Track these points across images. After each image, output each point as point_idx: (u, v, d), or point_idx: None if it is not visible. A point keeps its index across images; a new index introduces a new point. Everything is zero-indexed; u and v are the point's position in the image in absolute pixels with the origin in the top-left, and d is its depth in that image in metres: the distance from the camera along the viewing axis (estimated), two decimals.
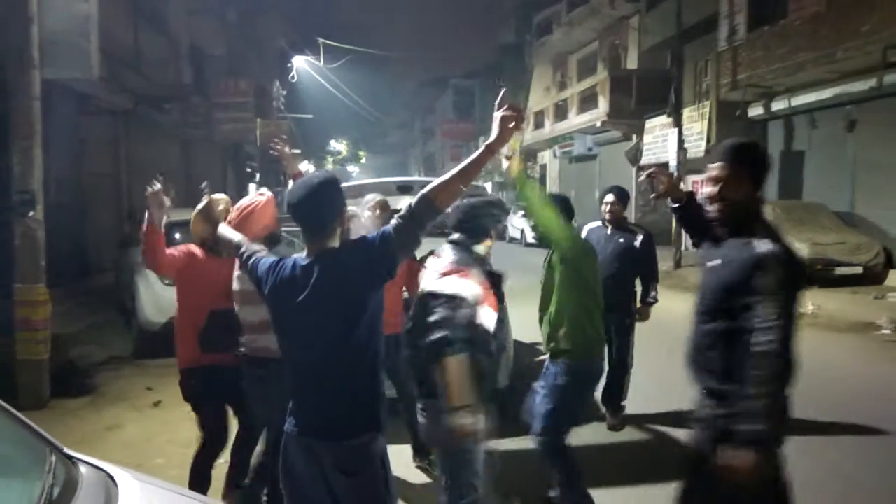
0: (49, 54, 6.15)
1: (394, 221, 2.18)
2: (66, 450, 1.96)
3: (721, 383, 2.28)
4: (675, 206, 2.89)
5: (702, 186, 2.49)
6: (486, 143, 2.19)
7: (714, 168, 2.43)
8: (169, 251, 3.52)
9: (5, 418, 1.95)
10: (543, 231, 3.41)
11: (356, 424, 2.23)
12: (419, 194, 2.17)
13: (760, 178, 2.41)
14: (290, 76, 25.09)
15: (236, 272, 3.38)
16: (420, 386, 2.81)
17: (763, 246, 2.21)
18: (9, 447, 1.93)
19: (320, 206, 2.24)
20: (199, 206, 3.69)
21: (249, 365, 3.38)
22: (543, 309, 3.69)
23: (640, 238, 5.08)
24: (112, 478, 1.88)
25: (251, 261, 2.47)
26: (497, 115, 2.18)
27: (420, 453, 4.32)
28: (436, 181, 2.21)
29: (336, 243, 2.27)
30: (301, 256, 2.32)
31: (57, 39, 6.62)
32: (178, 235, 6.32)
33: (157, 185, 3.40)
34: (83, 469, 1.89)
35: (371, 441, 2.24)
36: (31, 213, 5.81)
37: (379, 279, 2.23)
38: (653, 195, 3.13)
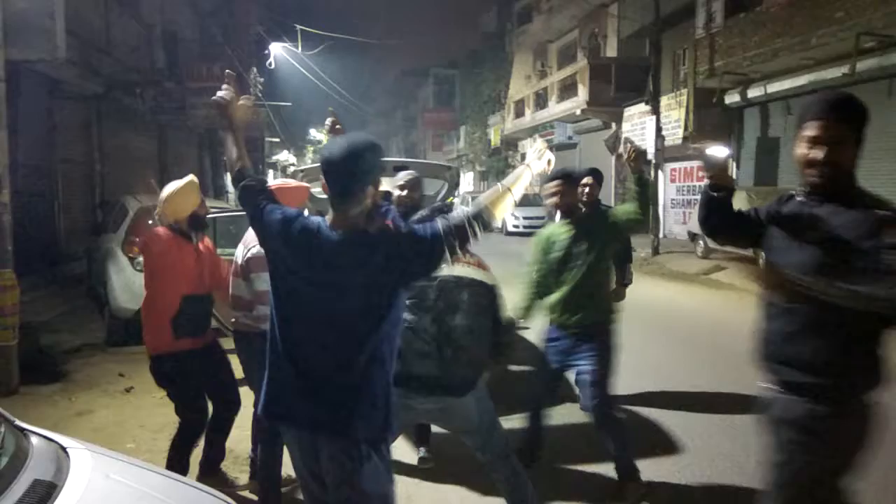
0: (13, 34, 6.01)
1: (444, 222, 2.03)
2: (17, 422, 1.92)
3: (807, 375, 2.08)
4: (718, 193, 2.44)
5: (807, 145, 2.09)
6: (526, 163, 2.32)
7: (814, 127, 2.07)
8: (152, 231, 3.56)
9: None
10: (639, 219, 3.67)
11: (354, 423, 2.02)
12: (478, 205, 2.08)
13: (862, 138, 2.10)
14: (268, 63, 24.83)
15: (243, 249, 3.46)
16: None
17: (883, 210, 1.99)
18: None
19: (354, 168, 2.03)
20: (177, 186, 3.64)
21: (245, 338, 3.50)
22: (554, 288, 3.82)
23: None
24: (64, 449, 1.84)
25: (260, 198, 2.21)
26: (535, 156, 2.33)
27: (423, 441, 4.22)
28: (489, 195, 2.14)
29: (359, 213, 2.06)
30: (325, 220, 2.11)
31: (22, 19, 6.48)
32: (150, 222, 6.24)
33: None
34: (34, 440, 1.86)
35: (375, 440, 2.07)
36: None
37: (417, 276, 2.11)
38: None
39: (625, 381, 5.63)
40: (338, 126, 3.35)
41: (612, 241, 3.83)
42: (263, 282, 3.16)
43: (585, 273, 3.69)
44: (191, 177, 3.75)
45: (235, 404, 3.82)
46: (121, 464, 1.87)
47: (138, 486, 1.73)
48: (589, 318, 3.73)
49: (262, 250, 2.26)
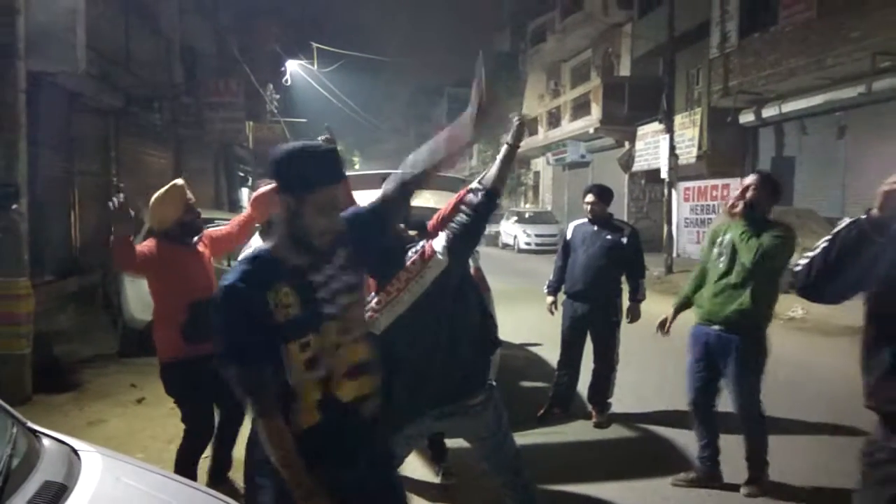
0: (34, 46, 6.11)
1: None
2: (28, 423, 1.92)
3: None
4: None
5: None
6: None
7: None
8: (139, 250, 3.49)
9: None
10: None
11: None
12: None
13: None
14: (284, 80, 25.07)
15: None
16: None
17: None
18: None
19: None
20: (158, 193, 3.63)
21: None
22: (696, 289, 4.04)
23: (626, 235, 5.07)
24: (76, 452, 1.84)
25: None
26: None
27: (440, 458, 4.14)
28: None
29: None
30: None
31: (43, 32, 6.59)
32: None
33: (121, 199, 3.35)
34: (46, 442, 1.86)
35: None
36: (14, 206, 5.75)
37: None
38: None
39: (636, 398, 5.59)
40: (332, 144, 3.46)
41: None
42: None
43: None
44: (175, 182, 3.72)
45: (241, 413, 3.80)
46: (132, 468, 1.86)
47: (149, 490, 1.73)
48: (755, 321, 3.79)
49: None
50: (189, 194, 3.66)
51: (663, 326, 4.23)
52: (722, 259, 3.84)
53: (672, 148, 15.55)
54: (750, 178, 3.94)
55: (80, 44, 7.51)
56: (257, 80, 20.19)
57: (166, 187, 3.65)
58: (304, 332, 1.82)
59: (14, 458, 1.67)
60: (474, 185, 2.69)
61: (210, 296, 3.60)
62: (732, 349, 3.76)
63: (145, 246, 3.56)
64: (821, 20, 12.35)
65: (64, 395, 5.98)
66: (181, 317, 3.45)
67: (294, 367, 1.82)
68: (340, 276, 1.93)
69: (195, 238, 3.71)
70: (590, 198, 5.07)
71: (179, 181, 3.73)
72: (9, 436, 1.74)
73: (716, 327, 3.81)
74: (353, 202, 2.85)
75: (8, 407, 1.91)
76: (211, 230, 3.98)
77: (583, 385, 5.29)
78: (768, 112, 15.04)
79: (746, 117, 15.77)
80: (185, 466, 3.56)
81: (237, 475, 3.98)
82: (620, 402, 5.29)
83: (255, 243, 4.00)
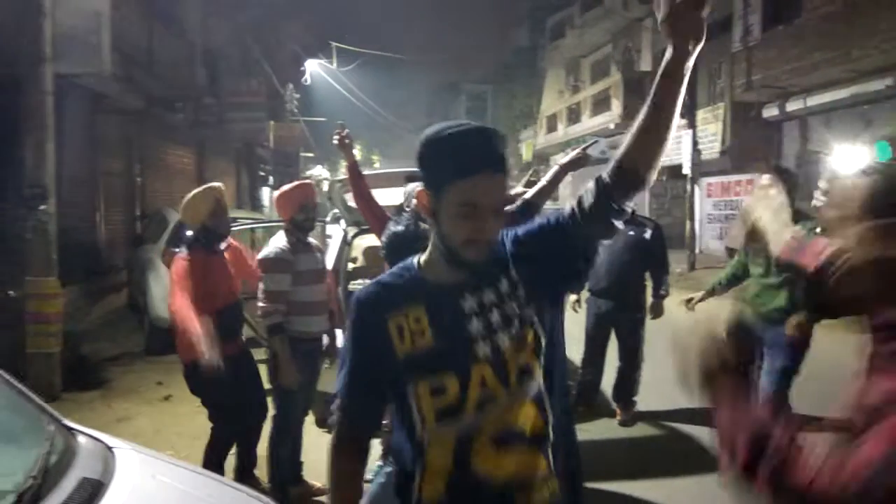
0: (61, 49, 6.21)
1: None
2: (65, 421, 1.95)
3: None
4: None
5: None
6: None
7: None
8: (180, 264, 3.60)
9: (7, 390, 1.95)
10: None
11: None
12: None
13: None
14: (304, 79, 25.18)
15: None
16: None
17: None
18: (10, 417, 1.92)
19: None
20: (193, 192, 3.75)
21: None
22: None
23: (649, 230, 5.03)
24: (110, 449, 1.87)
25: None
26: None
27: None
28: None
29: None
30: None
31: (69, 35, 6.70)
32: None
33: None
34: (82, 439, 1.88)
35: None
36: (42, 207, 5.85)
37: None
38: None
39: (661, 396, 5.54)
40: (347, 141, 3.57)
41: None
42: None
43: None
44: (214, 184, 3.83)
45: (263, 411, 3.86)
46: (165, 464, 1.88)
47: (184, 487, 1.74)
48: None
49: None
50: (221, 199, 3.74)
51: (689, 302, 4.39)
52: (759, 260, 3.90)
53: (695, 143, 15.40)
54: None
55: (105, 46, 7.62)
56: (278, 79, 20.31)
57: (204, 187, 3.77)
58: (437, 369, 1.40)
59: (52, 455, 1.69)
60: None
61: (233, 301, 3.72)
62: (775, 344, 3.81)
63: (179, 259, 3.64)
64: (846, 11, 12.14)
65: (92, 393, 6.07)
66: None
67: (422, 415, 1.40)
68: (503, 306, 1.45)
69: (222, 245, 3.81)
70: None
71: (218, 184, 3.84)
72: (47, 434, 1.77)
73: (762, 324, 3.85)
74: (508, 201, 2.48)
75: (45, 404, 1.94)
76: (242, 249, 4.08)
77: (606, 383, 5.27)
78: (793, 106, 14.82)
79: (770, 111, 15.56)
80: (212, 464, 3.62)
81: (260, 473, 4.03)
82: (641, 398, 5.25)
83: (276, 242, 4.00)
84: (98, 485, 1.65)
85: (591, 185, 1.45)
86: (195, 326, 3.33)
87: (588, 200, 1.43)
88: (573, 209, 1.46)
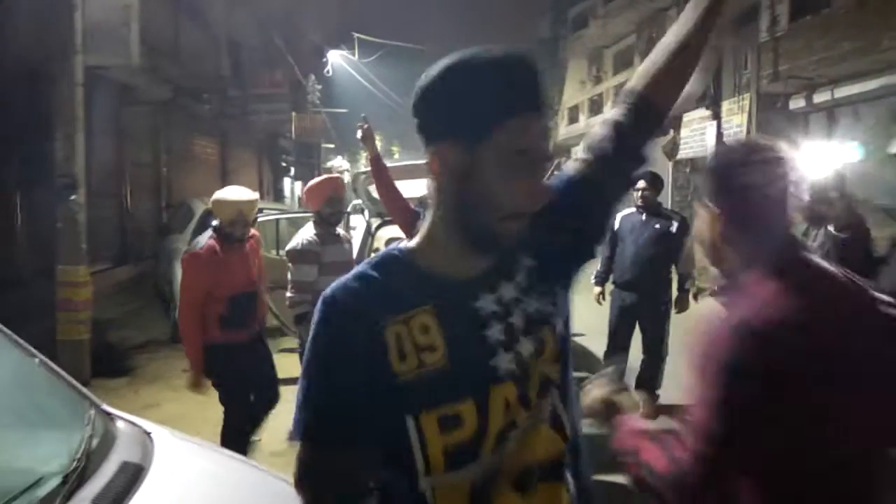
0: (91, 42, 6.31)
1: None
2: (104, 406, 2.00)
3: None
4: None
5: None
6: None
7: None
8: (187, 265, 3.74)
9: (48, 375, 2.01)
10: None
11: None
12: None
13: None
14: (326, 70, 25.25)
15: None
16: None
17: None
18: (51, 401, 1.98)
19: None
20: (224, 190, 3.86)
21: None
22: None
23: (675, 223, 5.00)
24: (148, 433, 1.92)
25: None
26: None
27: None
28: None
29: None
30: None
31: (99, 27, 6.80)
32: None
33: None
34: (120, 424, 1.94)
35: None
36: (73, 197, 5.95)
37: None
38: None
39: (684, 389, 5.51)
40: (369, 135, 3.68)
41: None
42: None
43: None
44: (244, 192, 3.88)
45: (274, 398, 3.95)
46: (201, 448, 1.93)
47: (219, 471, 1.79)
48: None
49: None
50: (247, 209, 3.80)
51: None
52: None
53: (720, 135, 15.23)
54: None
55: (133, 38, 7.72)
56: (300, 70, 20.39)
57: (231, 189, 3.89)
58: (450, 396, 1.03)
59: (94, 439, 1.74)
60: None
61: (249, 290, 3.80)
62: None
63: (198, 253, 3.72)
64: (876, 1, 11.91)
65: (120, 380, 6.19)
66: (220, 307, 3.66)
67: (427, 459, 1.02)
68: (523, 303, 1.11)
69: (250, 232, 3.94)
70: (641, 184, 4.96)
71: (252, 195, 3.89)
72: (87, 418, 1.82)
73: None
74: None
75: (85, 389, 2.00)
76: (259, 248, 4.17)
77: (629, 376, 5.25)
78: (820, 98, 14.58)
79: (797, 103, 15.32)
80: (230, 445, 3.72)
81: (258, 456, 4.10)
82: (664, 391, 5.23)
83: (304, 234, 4.06)
84: (138, 468, 1.70)
85: (602, 130, 1.23)
86: (194, 351, 3.66)
87: (605, 147, 1.19)
88: (588, 162, 1.21)
